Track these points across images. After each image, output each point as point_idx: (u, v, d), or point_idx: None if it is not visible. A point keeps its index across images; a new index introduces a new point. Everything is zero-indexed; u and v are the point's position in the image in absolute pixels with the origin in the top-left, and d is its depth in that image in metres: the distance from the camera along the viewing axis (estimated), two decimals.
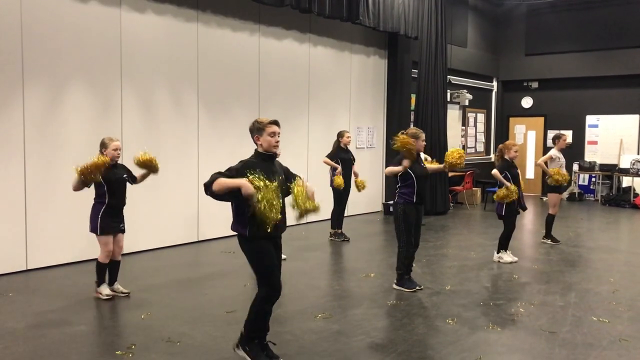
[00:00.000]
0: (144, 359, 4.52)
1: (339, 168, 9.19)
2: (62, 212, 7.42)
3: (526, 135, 17.07)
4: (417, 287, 6.53)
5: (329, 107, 11.62)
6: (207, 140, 9.27)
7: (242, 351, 4.35)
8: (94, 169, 5.67)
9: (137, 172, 6.28)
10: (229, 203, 4.27)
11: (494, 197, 7.86)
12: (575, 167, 15.62)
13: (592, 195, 15.68)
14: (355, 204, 11.78)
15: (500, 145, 8.14)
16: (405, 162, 6.26)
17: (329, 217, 9.66)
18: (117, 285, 6.21)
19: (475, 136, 16.44)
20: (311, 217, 10.82)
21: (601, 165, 15.41)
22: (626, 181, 15.00)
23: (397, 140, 6.30)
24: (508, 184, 7.69)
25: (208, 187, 4.05)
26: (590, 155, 15.96)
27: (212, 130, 9.34)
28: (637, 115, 15.30)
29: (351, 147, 9.79)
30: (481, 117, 16.62)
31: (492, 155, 15.65)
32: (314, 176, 10.42)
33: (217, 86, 9.37)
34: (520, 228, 10.37)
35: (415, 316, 5.66)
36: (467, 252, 8.68)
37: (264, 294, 4.29)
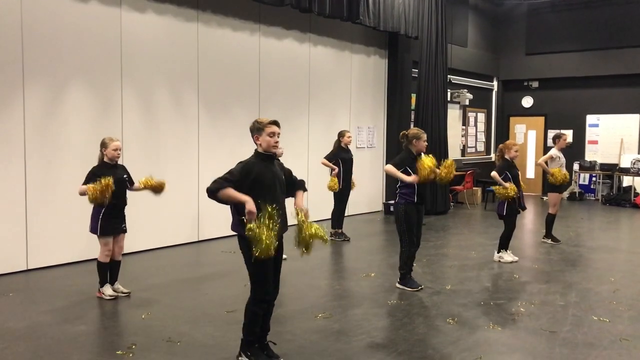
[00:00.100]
0: (145, 358, 4.52)
1: (336, 170, 9.19)
2: (63, 212, 7.43)
3: (526, 134, 17.06)
4: (419, 287, 6.54)
5: (329, 106, 11.62)
6: (208, 140, 9.27)
7: (245, 357, 4.34)
8: (103, 194, 5.73)
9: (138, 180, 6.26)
10: None
11: (496, 194, 7.86)
12: (576, 166, 15.62)
13: (593, 194, 15.68)
14: (356, 203, 11.78)
15: (501, 145, 8.14)
16: (414, 179, 6.23)
17: (330, 217, 9.66)
18: (118, 285, 6.22)
19: (476, 136, 16.44)
20: (312, 217, 10.86)
21: (602, 164, 15.41)
22: (627, 180, 15.00)
23: (424, 166, 6.21)
24: (506, 184, 7.69)
25: (213, 193, 4.07)
26: (591, 154, 15.96)
27: (213, 130, 9.34)
28: (638, 115, 15.29)
29: (351, 147, 9.79)
30: (481, 116, 16.62)
31: (493, 155, 15.65)
32: (314, 176, 10.43)
33: (217, 86, 9.37)
34: (520, 228, 10.37)
35: (416, 316, 5.66)
36: (467, 252, 8.67)
37: (255, 296, 4.29)
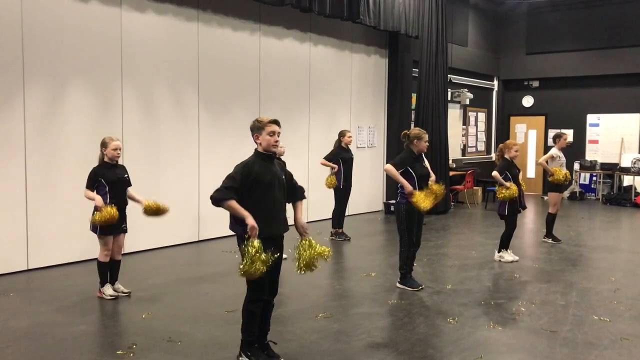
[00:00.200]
0: (145, 358, 4.53)
1: (336, 168, 9.19)
2: (63, 212, 7.43)
3: (527, 134, 17.06)
4: (420, 287, 6.54)
5: (329, 106, 11.62)
6: (208, 140, 9.27)
7: (245, 357, 4.34)
8: (107, 223, 5.80)
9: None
10: None
11: (497, 196, 7.84)
12: (576, 166, 15.61)
13: (593, 194, 15.67)
14: (356, 203, 11.79)
15: (501, 145, 8.13)
16: (410, 190, 6.23)
17: (330, 216, 9.66)
18: (118, 285, 6.22)
19: (476, 135, 16.44)
20: (312, 217, 10.89)
21: (602, 164, 15.41)
22: (627, 180, 15.00)
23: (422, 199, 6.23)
24: (507, 184, 7.69)
25: (217, 202, 4.11)
26: (591, 154, 15.96)
27: (213, 129, 9.34)
28: (638, 114, 15.29)
29: (352, 147, 9.79)
30: (482, 116, 16.62)
31: (493, 155, 15.65)
32: (314, 176, 10.43)
33: (217, 86, 9.37)
34: (521, 227, 10.36)
35: (416, 315, 5.66)
36: (468, 251, 8.67)
37: (251, 295, 4.29)
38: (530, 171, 16.90)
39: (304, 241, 4.34)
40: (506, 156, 7.93)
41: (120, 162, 6.20)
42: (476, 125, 16.39)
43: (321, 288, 6.69)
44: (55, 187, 7.38)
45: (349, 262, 8.34)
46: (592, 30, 15.42)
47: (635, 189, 14.45)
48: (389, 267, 7.55)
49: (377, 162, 12.82)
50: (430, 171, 6.61)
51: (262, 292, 4.28)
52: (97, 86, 7.79)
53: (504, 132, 17.18)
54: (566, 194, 15.13)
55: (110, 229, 5.95)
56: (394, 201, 6.66)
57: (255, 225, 4.08)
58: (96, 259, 6.14)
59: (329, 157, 9.29)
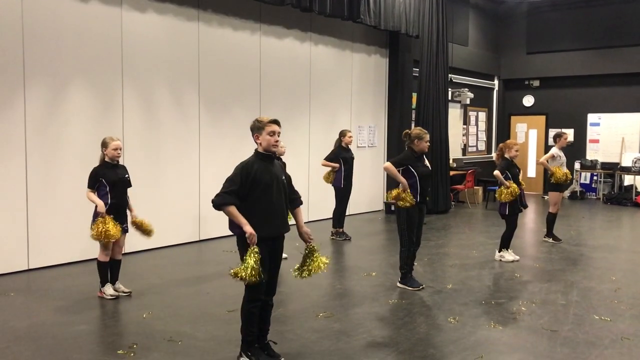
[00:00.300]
0: (146, 358, 4.53)
1: (337, 166, 9.20)
2: (64, 211, 7.43)
3: (527, 133, 17.06)
4: (421, 286, 6.54)
5: (330, 106, 11.62)
6: (208, 139, 9.27)
7: (245, 357, 4.34)
8: (111, 238, 5.85)
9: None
10: None
11: (498, 197, 7.83)
12: (577, 165, 15.61)
13: (594, 193, 15.67)
14: (357, 203, 11.79)
15: (501, 144, 8.13)
16: (405, 186, 6.31)
17: (331, 216, 9.66)
18: (119, 285, 6.22)
19: (477, 135, 16.43)
20: (312, 217, 10.89)
21: (603, 163, 15.41)
22: (628, 179, 14.99)
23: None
24: (507, 183, 7.69)
25: (218, 207, 4.15)
26: (592, 153, 15.95)
27: (213, 129, 9.34)
28: (639, 114, 15.27)
29: (352, 146, 9.79)
30: (482, 115, 16.61)
31: (494, 154, 15.64)
32: (315, 175, 10.43)
33: (218, 85, 9.37)
34: (521, 227, 10.36)
35: (417, 315, 5.66)
36: (468, 251, 8.67)
37: (249, 295, 4.30)
38: (531, 171, 16.89)
39: (308, 249, 4.44)
40: (506, 156, 7.93)
41: (120, 162, 6.20)
42: (477, 124, 16.39)
43: (322, 287, 6.69)
44: (55, 187, 7.38)
45: (349, 261, 8.34)
46: (593, 30, 15.41)
47: (636, 188, 14.45)
48: (390, 266, 7.55)
49: (378, 162, 12.82)
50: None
51: (259, 292, 4.28)
52: (97, 86, 7.79)
53: (504, 132, 17.17)
54: (567, 193, 15.13)
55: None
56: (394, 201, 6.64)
57: (253, 232, 4.11)
58: (96, 258, 6.14)
59: (329, 158, 9.30)
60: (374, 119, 12.83)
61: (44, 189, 7.29)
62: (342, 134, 9.37)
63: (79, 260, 7.58)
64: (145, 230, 6.23)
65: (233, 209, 4.13)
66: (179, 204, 8.88)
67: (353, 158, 9.45)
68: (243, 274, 4.06)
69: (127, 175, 6.13)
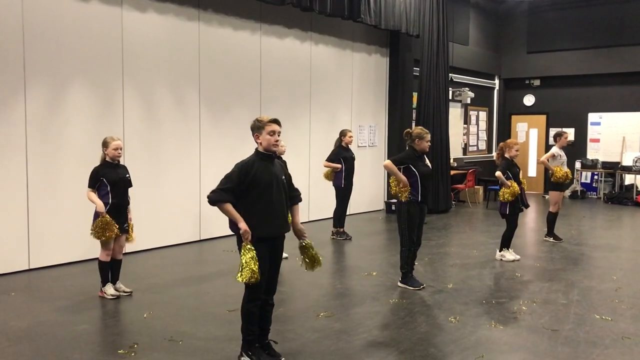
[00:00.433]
0: (147, 358, 4.53)
1: (339, 167, 9.20)
2: (64, 211, 7.43)
3: (528, 133, 17.05)
4: (421, 286, 6.54)
5: (330, 105, 11.61)
6: (209, 139, 9.27)
7: (246, 357, 4.34)
8: (108, 232, 5.84)
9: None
10: None
11: (500, 197, 7.82)
12: (578, 164, 15.60)
13: (595, 193, 15.66)
14: (357, 202, 11.79)
15: (501, 144, 8.12)
16: (405, 183, 6.34)
17: (331, 215, 9.66)
18: (120, 285, 6.22)
19: (477, 134, 16.42)
20: (313, 216, 10.89)
21: (603, 163, 15.40)
22: (628, 179, 14.98)
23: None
24: (508, 183, 7.68)
25: (214, 203, 4.16)
26: (593, 153, 15.94)
27: (214, 129, 9.34)
28: None
29: (353, 146, 9.79)
30: (483, 115, 16.61)
31: (494, 154, 15.63)
32: (316, 175, 10.42)
33: (218, 85, 9.37)
34: (522, 226, 10.35)
35: (418, 314, 5.66)
36: (469, 250, 8.67)
37: (249, 294, 4.30)
38: (532, 170, 16.88)
39: (300, 246, 4.50)
40: (507, 155, 7.92)
41: (121, 162, 6.20)
42: (477, 124, 16.38)
43: (322, 287, 6.69)
44: (56, 186, 7.38)
45: (350, 261, 8.34)
46: (594, 29, 15.40)
47: (637, 187, 14.44)
48: (390, 266, 7.55)
49: (378, 162, 12.81)
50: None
51: (259, 291, 4.28)
52: (98, 86, 7.79)
53: (505, 131, 17.16)
54: (567, 192, 15.12)
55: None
56: (395, 200, 6.65)
57: (248, 230, 4.13)
58: (97, 258, 6.14)
59: (330, 158, 9.30)
60: (375, 119, 12.82)
61: (45, 188, 7.29)
62: (343, 133, 9.37)
63: (79, 260, 7.58)
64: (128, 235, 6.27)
65: (228, 206, 4.14)
66: (180, 204, 8.88)
67: (354, 158, 9.44)
68: (240, 278, 4.09)
69: (127, 175, 6.13)
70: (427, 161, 6.66)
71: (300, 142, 10.80)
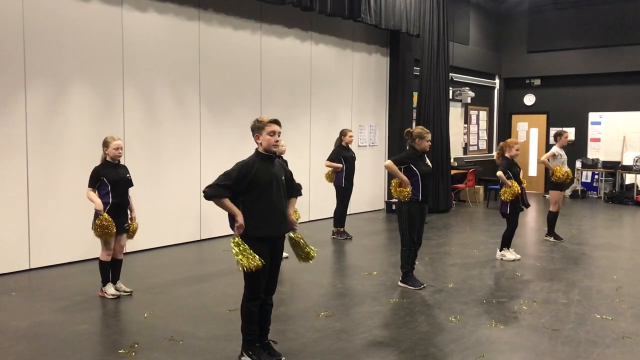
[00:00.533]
0: (147, 357, 4.53)
1: (340, 166, 9.20)
2: (65, 211, 7.43)
3: (529, 132, 17.04)
4: (422, 285, 6.54)
5: (330, 105, 11.61)
6: (209, 139, 9.27)
7: (247, 356, 4.34)
8: (107, 230, 5.84)
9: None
10: None
11: (500, 197, 7.80)
12: (578, 164, 15.59)
13: (595, 192, 15.66)
14: (358, 202, 11.79)
15: (502, 143, 8.12)
16: (407, 183, 6.33)
17: (332, 215, 9.66)
18: (120, 284, 6.22)
19: (478, 134, 16.42)
20: (313, 216, 10.89)
21: (604, 162, 15.39)
22: (629, 178, 14.97)
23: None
24: (509, 182, 7.68)
25: (210, 197, 4.16)
26: (593, 152, 15.93)
27: (214, 129, 9.34)
28: None
29: (353, 145, 9.79)
30: (483, 114, 16.60)
31: (495, 153, 15.63)
32: (316, 175, 10.42)
33: (218, 85, 9.37)
34: (523, 226, 10.35)
35: (418, 314, 5.66)
36: (469, 250, 8.67)
37: (248, 294, 4.32)
38: (532, 169, 16.88)
39: (293, 238, 4.55)
40: (507, 155, 7.92)
41: (121, 162, 6.20)
42: (478, 123, 16.37)
43: (323, 287, 6.69)
44: (56, 186, 7.38)
45: (350, 260, 8.34)
46: (594, 28, 15.39)
47: (637, 187, 14.44)
48: (391, 265, 7.55)
49: (379, 161, 12.82)
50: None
51: (259, 290, 4.29)
52: (98, 85, 7.79)
53: (505, 131, 17.15)
54: (568, 192, 15.12)
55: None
56: (395, 200, 6.65)
57: (243, 225, 4.15)
58: (98, 258, 6.14)
59: (331, 158, 9.30)
60: (375, 118, 12.82)
61: (45, 188, 7.29)
62: (343, 133, 9.37)
63: (80, 259, 7.58)
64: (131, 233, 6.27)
65: (226, 201, 4.16)
66: (180, 204, 8.88)
67: (354, 157, 9.44)
68: (242, 267, 4.13)
69: (128, 175, 6.13)
70: (428, 161, 6.66)
71: (300, 142, 10.80)
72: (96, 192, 5.90)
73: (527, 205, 8.03)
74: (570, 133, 14.85)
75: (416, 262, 6.79)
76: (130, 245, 7.20)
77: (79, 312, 5.62)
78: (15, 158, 7.02)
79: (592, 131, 16.05)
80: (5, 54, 6.86)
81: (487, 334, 5.09)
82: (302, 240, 4.58)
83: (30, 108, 7.12)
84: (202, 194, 4.20)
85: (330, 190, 9.56)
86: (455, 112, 14.89)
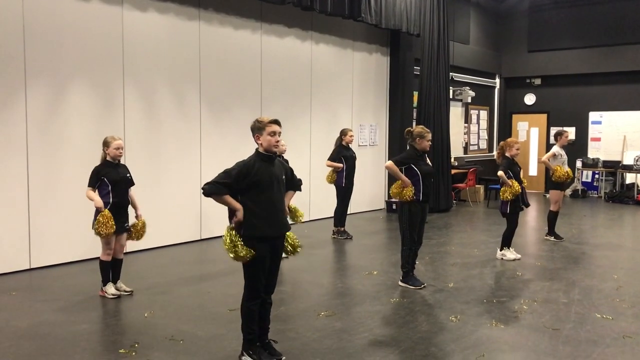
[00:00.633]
0: (148, 357, 4.53)
1: (341, 166, 9.20)
2: (65, 210, 7.44)
3: (529, 132, 17.03)
4: (422, 285, 6.54)
5: (331, 104, 11.61)
6: (209, 138, 9.27)
7: (247, 356, 4.35)
8: (106, 226, 5.81)
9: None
10: None
11: (501, 196, 7.80)
12: (579, 163, 15.59)
13: (596, 191, 15.65)
14: (358, 201, 11.78)
15: (502, 143, 8.12)
16: (409, 185, 6.33)
17: (332, 215, 9.66)
18: (120, 284, 6.22)
19: (478, 133, 16.41)
20: (313, 215, 10.89)
21: (604, 161, 15.38)
22: (629, 178, 14.97)
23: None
24: (510, 182, 7.68)
25: (209, 194, 4.16)
26: (594, 151, 15.92)
27: (214, 128, 9.34)
28: None
29: (354, 145, 9.78)
30: (484, 114, 16.59)
31: (495, 153, 15.62)
32: (316, 174, 10.43)
33: (219, 84, 9.37)
34: (523, 225, 10.35)
35: (419, 313, 5.66)
36: (470, 250, 8.67)
37: (248, 293, 4.33)
38: (532, 169, 16.87)
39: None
40: (507, 154, 7.92)
41: (122, 161, 6.20)
42: (478, 123, 16.37)
43: (323, 286, 6.69)
44: (57, 186, 7.38)
45: (350, 260, 8.34)
46: (594, 28, 15.38)
47: (638, 186, 14.44)
48: (391, 265, 7.55)
49: (379, 161, 12.82)
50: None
51: (258, 289, 4.30)
52: (98, 85, 7.79)
53: (505, 130, 17.14)
54: (568, 191, 15.12)
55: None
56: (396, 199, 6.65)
57: (242, 219, 4.16)
58: (98, 258, 6.14)
59: (332, 157, 9.30)
60: (375, 118, 12.82)
61: (45, 188, 7.29)
62: (343, 132, 9.36)
63: (80, 259, 7.58)
64: (139, 233, 6.24)
65: (227, 197, 4.17)
66: (180, 203, 8.88)
67: (355, 157, 9.44)
68: (236, 256, 4.18)
69: (128, 175, 6.13)
70: (428, 160, 6.66)
71: (300, 142, 10.80)
72: (96, 192, 5.90)
73: (527, 205, 8.03)
74: (571, 132, 14.84)
75: (416, 262, 6.79)
76: (130, 245, 7.19)
77: (80, 312, 5.62)
78: (16, 158, 7.02)
79: (592, 131, 16.04)
80: (5, 54, 6.87)
81: (488, 334, 5.09)
82: (292, 239, 4.59)
83: (30, 108, 7.13)
84: (202, 191, 4.20)
85: (330, 190, 9.56)
86: (455, 112, 14.89)
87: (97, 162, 6.02)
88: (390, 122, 13.02)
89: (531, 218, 11.94)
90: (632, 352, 4.71)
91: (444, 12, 12.84)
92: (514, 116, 17.30)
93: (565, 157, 9.33)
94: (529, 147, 16.83)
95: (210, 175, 4.33)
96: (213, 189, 4.14)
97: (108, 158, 6.00)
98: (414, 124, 12.49)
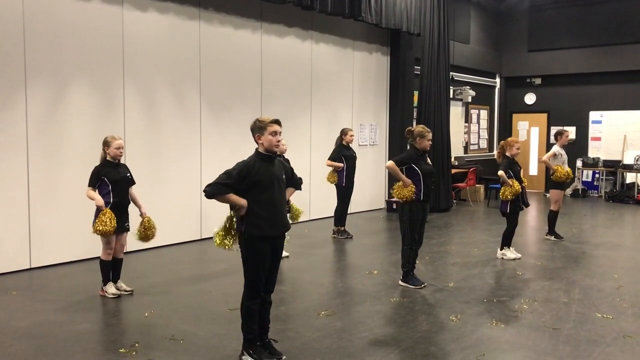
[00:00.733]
0: (148, 356, 4.53)
1: (341, 166, 9.20)
2: (65, 210, 7.44)
3: (529, 131, 17.03)
4: (422, 284, 6.54)
5: (331, 104, 11.61)
6: (210, 138, 9.27)
7: (248, 356, 4.35)
8: (107, 226, 5.81)
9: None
10: None
11: (501, 196, 7.79)
12: (579, 163, 15.59)
13: (596, 191, 15.65)
14: (358, 201, 11.78)
15: (502, 142, 8.12)
16: (410, 185, 6.33)
17: (332, 214, 9.66)
18: (121, 283, 6.22)
19: (478, 133, 16.41)
20: (314, 215, 10.89)
21: (605, 161, 15.38)
22: (630, 177, 14.97)
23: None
24: (510, 182, 7.68)
25: (212, 196, 4.16)
26: (594, 151, 15.92)
27: (215, 128, 9.34)
28: None
29: (354, 144, 9.78)
30: (484, 113, 16.59)
31: (495, 152, 15.62)
32: (316, 174, 10.43)
33: (219, 84, 9.37)
34: (523, 225, 10.35)
35: (419, 313, 5.66)
36: (470, 249, 8.66)
37: (248, 292, 4.34)
38: (533, 168, 16.87)
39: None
40: (507, 154, 7.92)
41: (122, 161, 6.20)
42: (478, 122, 16.36)
43: (323, 286, 6.69)
44: (57, 185, 7.38)
45: (351, 260, 8.34)
46: (595, 27, 15.38)
47: (638, 186, 14.43)
48: (391, 264, 7.54)
49: (379, 160, 12.82)
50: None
51: (258, 289, 4.31)
52: (98, 85, 7.79)
53: (506, 130, 17.14)
54: (569, 191, 15.11)
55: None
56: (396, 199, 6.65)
57: (245, 208, 4.19)
58: (98, 257, 6.14)
59: (332, 157, 9.30)
60: (376, 117, 12.81)
61: (46, 187, 7.29)
62: (344, 132, 9.36)
63: (80, 259, 7.59)
64: (147, 232, 6.23)
65: (230, 195, 4.17)
66: (181, 203, 8.88)
67: (355, 156, 9.44)
68: (218, 241, 4.38)
69: (129, 174, 6.14)
70: (428, 160, 6.66)
71: (301, 141, 10.80)
72: (96, 192, 5.90)
73: (527, 205, 8.03)
74: (571, 132, 14.84)
75: (417, 261, 6.79)
76: (130, 244, 7.19)
77: (80, 312, 5.62)
78: (16, 157, 7.02)
79: (592, 130, 16.04)
80: (5, 53, 6.87)
81: (488, 333, 5.09)
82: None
83: (31, 108, 7.13)
84: (203, 193, 4.19)
85: (330, 190, 9.56)
86: (455, 111, 14.89)
87: (97, 162, 6.02)
88: (391, 121, 13.02)
89: (531, 218, 11.93)
90: (633, 351, 4.71)
91: (444, 11, 12.83)
92: (514, 116, 17.30)
93: (565, 156, 9.33)
94: (529, 146, 16.83)
95: (210, 175, 4.34)
96: (215, 190, 4.14)
97: (108, 158, 5.99)
98: (414, 123, 12.48)
